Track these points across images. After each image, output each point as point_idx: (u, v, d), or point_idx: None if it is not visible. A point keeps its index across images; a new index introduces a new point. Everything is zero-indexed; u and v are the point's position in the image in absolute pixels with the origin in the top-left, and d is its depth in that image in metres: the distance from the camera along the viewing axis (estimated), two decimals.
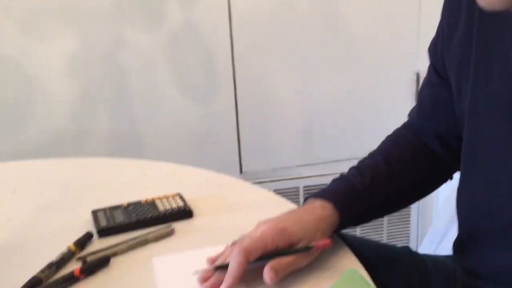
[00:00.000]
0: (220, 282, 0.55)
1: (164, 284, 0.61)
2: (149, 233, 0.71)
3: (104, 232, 0.73)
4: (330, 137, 1.65)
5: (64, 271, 0.63)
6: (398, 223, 1.80)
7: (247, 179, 1.35)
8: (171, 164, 1.00)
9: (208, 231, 0.74)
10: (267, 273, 0.55)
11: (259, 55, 1.54)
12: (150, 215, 0.76)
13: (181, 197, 0.81)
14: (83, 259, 0.65)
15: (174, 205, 0.78)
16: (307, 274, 0.61)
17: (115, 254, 0.67)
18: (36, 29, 1.39)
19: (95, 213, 0.77)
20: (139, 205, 0.79)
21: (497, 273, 0.61)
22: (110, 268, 0.65)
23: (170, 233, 0.72)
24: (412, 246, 1.65)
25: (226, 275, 0.56)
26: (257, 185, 0.89)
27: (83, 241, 0.70)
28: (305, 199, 0.67)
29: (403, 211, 1.81)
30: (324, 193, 0.66)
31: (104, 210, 0.78)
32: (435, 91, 0.69)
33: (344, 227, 0.66)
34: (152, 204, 0.79)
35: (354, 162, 0.72)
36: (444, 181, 0.75)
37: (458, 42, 0.61)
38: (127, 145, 1.52)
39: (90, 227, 0.74)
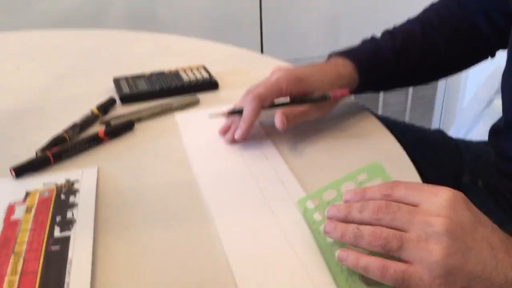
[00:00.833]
0: (236, 127, 0.57)
1: (188, 136, 0.61)
2: (174, 101, 0.69)
3: (126, 99, 0.70)
4: (358, 26, 1.57)
5: (87, 134, 0.62)
6: (421, 118, 1.77)
7: None
8: (193, 38, 0.95)
9: (234, 103, 0.71)
10: (278, 118, 0.55)
11: None
12: (174, 84, 0.72)
13: (206, 69, 0.77)
14: (106, 123, 0.63)
15: (199, 76, 0.75)
16: (327, 134, 0.60)
17: (139, 119, 0.65)
18: None
19: (117, 81, 0.74)
20: (162, 74, 0.76)
21: None
22: (134, 132, 0.63)
23: (195, 103, 0.69)
24: None
25: (241, 121, 0.56)
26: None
27: (106, 106, 0.67)
28: (329, 56, 0.64)
29: (425, 108, 1.77)
30: (348, 53, 0.63)
31: (126, 78, 0.75)
32: None
33: (363, 90, 0.63)
34: (176, 74, 0.76)
35: None
36: (485, 57, 0.69)
37: None
38: (147, 25, 1.46)
39: (113, 94, 0.72)
